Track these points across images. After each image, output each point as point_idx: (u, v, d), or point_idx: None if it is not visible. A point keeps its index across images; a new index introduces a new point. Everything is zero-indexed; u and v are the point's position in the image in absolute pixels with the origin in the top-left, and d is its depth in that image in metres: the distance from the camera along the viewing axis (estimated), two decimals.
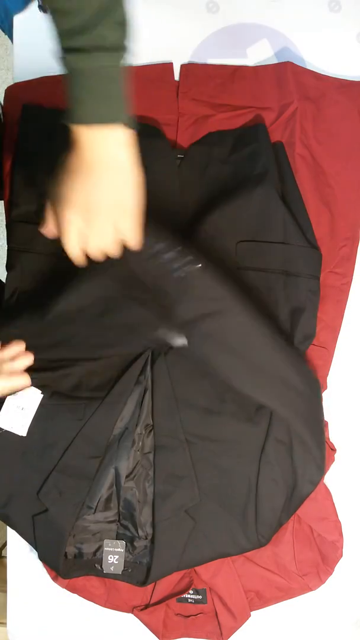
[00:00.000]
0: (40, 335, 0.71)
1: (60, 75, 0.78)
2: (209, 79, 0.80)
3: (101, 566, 0.74)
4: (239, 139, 0.77)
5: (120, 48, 0.51)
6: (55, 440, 0.72)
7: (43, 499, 0.71)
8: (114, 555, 0.74)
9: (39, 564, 0.78)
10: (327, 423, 0.77)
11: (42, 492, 0.71)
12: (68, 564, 0.73)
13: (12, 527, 0.74)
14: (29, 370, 0.71)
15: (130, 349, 0.72)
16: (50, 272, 0.74)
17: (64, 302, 0.70)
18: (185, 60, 0.82)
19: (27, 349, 0.71)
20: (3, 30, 0.86)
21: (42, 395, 0.72)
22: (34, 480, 0.72)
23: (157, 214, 0.75)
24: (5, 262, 0.76)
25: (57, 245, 0.74)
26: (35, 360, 0.71)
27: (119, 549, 0.74)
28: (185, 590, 0.76)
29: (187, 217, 0.76)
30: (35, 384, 0.71)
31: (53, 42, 0.52)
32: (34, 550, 0.77)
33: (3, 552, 1.07)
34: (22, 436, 0.72)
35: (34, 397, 0.72)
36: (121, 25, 0.51)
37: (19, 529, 0.73)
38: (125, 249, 0.62)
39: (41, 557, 0.74)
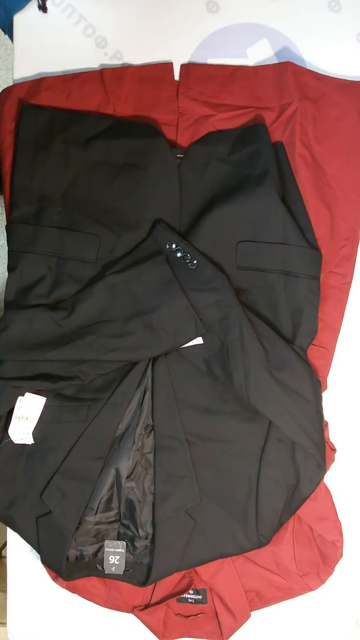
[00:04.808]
0: (49, 336, 0.71)
1: (60, 76, 0.79)
2: (209, 78, 0.80)
3: (102, 567, 0.74)
4: (239, 139, 0.77)
5: None
6: (59, 441, 0.72)
7: (46, 501, 0.71)
8: (115, 556, 0.74)
9: (38, 564, 0.78)
10: (327, 423, 0.77)
11: (45, 494, 0.72)
12: (69, 566, 0.74)
13: (15, 530, 0.74)
14: (37, 377, 0.71)
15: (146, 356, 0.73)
16: (54, 272, 0.74)
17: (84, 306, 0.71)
18: (185, 60, 0.82)
19: (34, 347, 0.71)
20: (3, 30, 0.86)
21: (44, 400, 0.72)
22: (37, 482, 0.72)
23: (157, 214, 0.76)
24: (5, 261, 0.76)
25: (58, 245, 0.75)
26: (39, 362, 0.71)
27: (119, 550, 0.74)
28: (185, 590, 0.76)
29: (187, 217, 0.76)
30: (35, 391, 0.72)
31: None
32: (34, 550, 0.77)
33: (3, 552, 1.08)
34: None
35: (36, 403, 0.72)
36: None
37: (22, 531, 0.73)
38: None
39: (43, 560, 0.74)
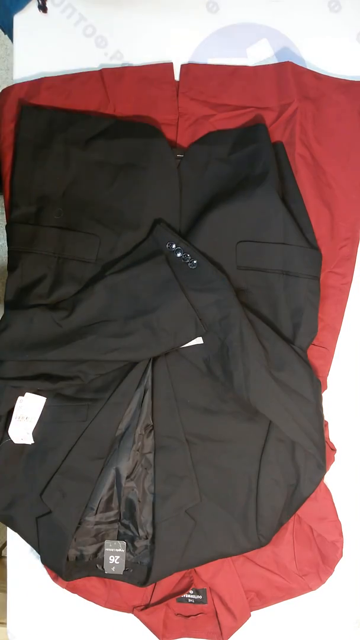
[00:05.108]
0: (49, 336, 0.71)
1: (60, 76, 0.79)
2: (209, 78, 0.80)
3: (102, 567, 0.74)
4: (239, 139, 0.77)
5: None
6: (59, 441, 0.73)
7: (46, 501, 0.71)
8: (115, 556, 0.74)
9: (38, 564, 0.78)
10: (327, 423, 0.77)
11: (46, 494, 0.72)
12: (69, 566, 0.74)
13: (15, 530, 0.74)
14: (37, 378, 0.71)
15: (146, 356, 0.73)
16: (54, 272, 0.74)
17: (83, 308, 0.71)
18: (186, 60, 0.82)
19: (34, 347, 0.71)
20: (3, 30, 0.86)
21: (44, 400, 0.72)
22: (37, 482, 0.72)
23: (157, 213, 0.76)
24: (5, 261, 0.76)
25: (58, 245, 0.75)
26: (39, 362, 0.71)
27: (119, 550, 0.74)
28: (185, 590, 0.76)
29: (187, 217, 0.76)
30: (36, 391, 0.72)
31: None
32: (34, 550, 0.77)
33: (3, 552, 1.08)
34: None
35: (36, 403, 0.72)
36: None
37: (22, 531, 0.73)
38: None
39: (44, 560, 0.74)
